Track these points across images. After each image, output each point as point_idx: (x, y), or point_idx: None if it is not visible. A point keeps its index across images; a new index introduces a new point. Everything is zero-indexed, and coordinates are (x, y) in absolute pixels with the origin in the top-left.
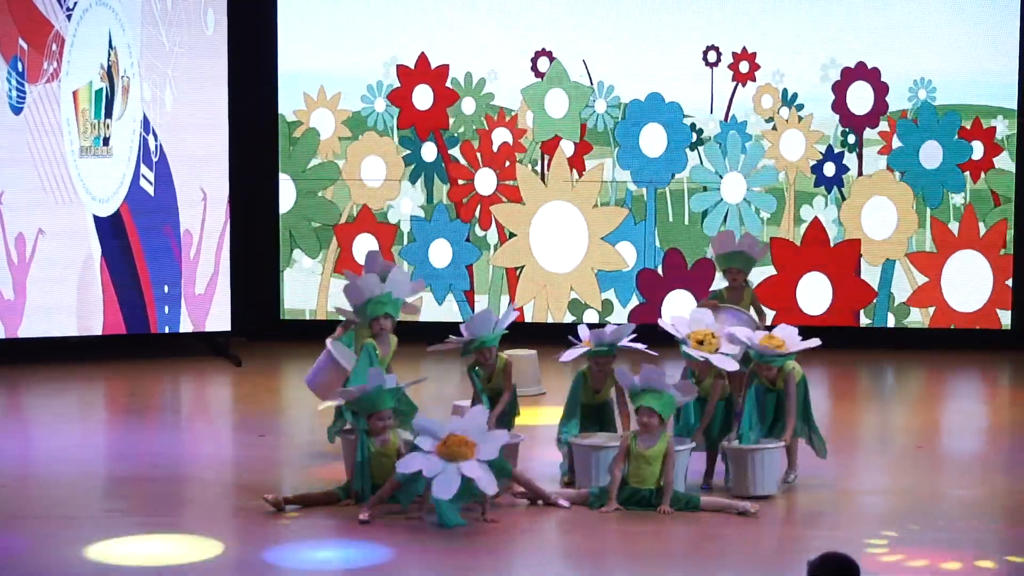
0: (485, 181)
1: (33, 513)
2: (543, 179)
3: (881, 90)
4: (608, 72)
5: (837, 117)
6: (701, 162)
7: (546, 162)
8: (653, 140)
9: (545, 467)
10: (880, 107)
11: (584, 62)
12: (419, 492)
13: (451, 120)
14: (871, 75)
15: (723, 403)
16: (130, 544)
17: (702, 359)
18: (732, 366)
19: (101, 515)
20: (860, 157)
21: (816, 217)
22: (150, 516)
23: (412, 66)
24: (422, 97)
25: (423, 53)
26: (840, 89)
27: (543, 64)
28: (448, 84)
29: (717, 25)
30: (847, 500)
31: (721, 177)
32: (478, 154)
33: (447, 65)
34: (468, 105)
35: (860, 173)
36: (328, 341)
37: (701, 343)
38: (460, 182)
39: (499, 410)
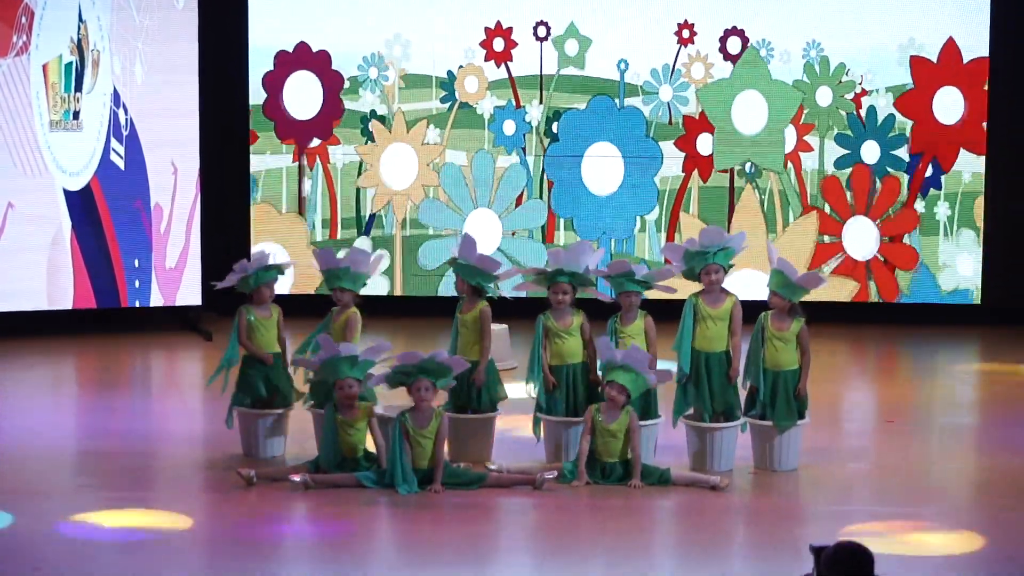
0: None
1: (3, 488)
2: None
3: None
4: None
5: None
6: None
7: None
8: None
9: (520, 442)
10: None
11: None
12: (378, 483)
13: None
14: None
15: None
16: (100, 518)
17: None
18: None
19: (72, 490)
20: None
21: None
22: (120, 491)
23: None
24: None
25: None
26: None
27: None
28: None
29: None
30: (818, 473)
31: None
32: None
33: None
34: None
35: None
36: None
37: None
38: None
39: (484, 361)
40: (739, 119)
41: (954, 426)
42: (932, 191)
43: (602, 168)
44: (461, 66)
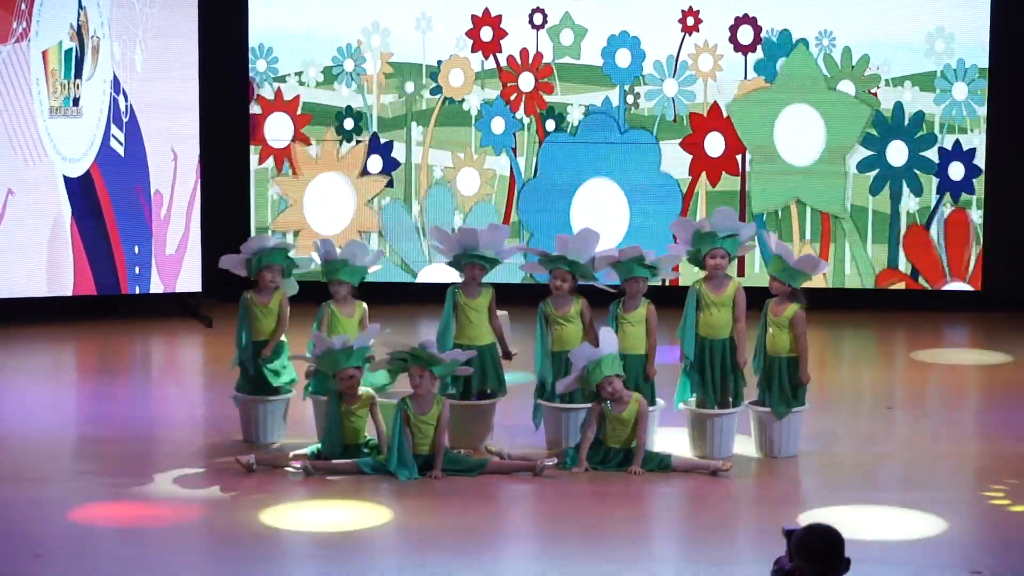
0: None
1: (4, 475)
2: None
3: None
4: None
5: None
6: None
7: None
8: None
9: (520, 429)
10: None
11: None
12: (378, 470)
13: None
14: None
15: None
16: (99, 504)
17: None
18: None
19: (72, 476)
20: None
21: None
22: (120, 477)
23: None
24: None
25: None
26: None
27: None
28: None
29: None
30: (819, 460)
31: None
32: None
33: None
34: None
35: None
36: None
37: None
38: None
39: (505, 347)
40: (784, 143)
41: (953, 413)
42: (964, 195)
43: (599, 213)
44: (451, 55)
